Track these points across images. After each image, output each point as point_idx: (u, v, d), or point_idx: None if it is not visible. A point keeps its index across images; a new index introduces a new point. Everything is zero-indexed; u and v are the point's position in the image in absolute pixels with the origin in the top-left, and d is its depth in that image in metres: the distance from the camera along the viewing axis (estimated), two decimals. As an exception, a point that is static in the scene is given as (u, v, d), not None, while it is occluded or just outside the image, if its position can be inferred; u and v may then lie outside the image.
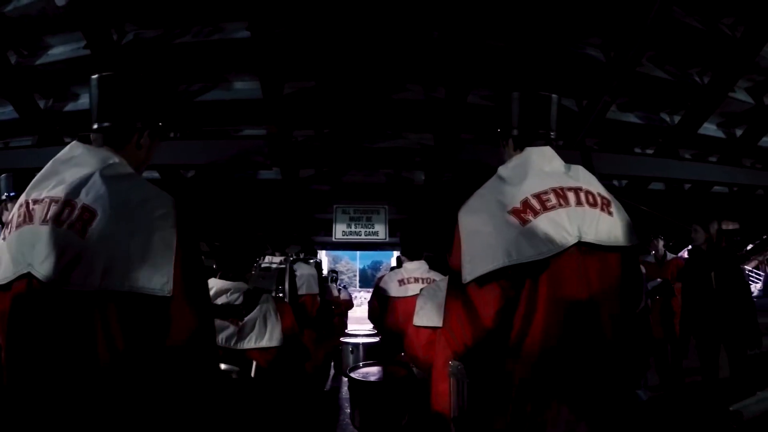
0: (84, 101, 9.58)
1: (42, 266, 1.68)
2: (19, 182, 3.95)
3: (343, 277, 22.18)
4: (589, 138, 9.73)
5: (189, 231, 1.85)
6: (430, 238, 5.78)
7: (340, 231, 12.20)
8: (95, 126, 2.02)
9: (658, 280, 7.07)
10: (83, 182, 1.79)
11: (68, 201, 1.75)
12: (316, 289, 6.56)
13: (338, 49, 8.02)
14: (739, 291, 5.85)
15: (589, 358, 1.96)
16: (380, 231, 12.23)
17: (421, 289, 3.91)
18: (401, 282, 5.44)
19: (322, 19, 7.57)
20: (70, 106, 9.76)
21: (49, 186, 1.82)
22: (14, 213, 1.84)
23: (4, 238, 1.84)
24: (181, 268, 1.76)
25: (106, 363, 1.66)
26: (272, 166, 9.97)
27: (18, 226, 1.80)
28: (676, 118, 10.17)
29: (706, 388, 5.98)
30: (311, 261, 7.42)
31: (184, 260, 1.78)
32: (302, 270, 6.22)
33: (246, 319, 3.18)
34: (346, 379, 4.69)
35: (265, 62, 7.91)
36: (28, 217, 1.78)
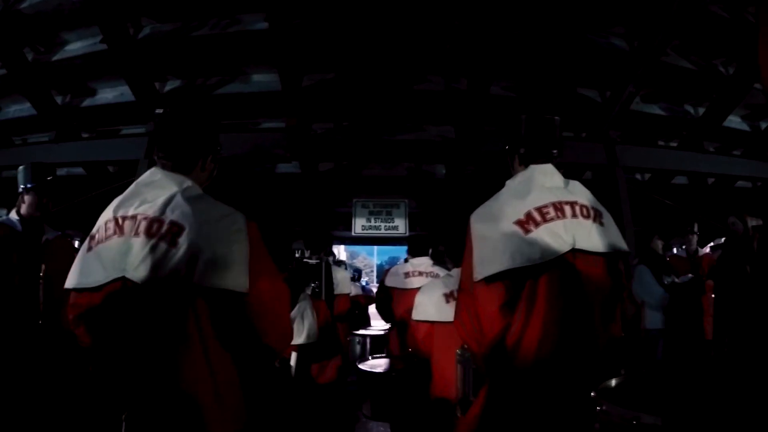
0: (101, 96, 9.74)
1: (137, 270, 1.96)
2: (37, 173, 4.05)
3: (354, 272, 22.17)
4: (612, 130, 9.57)
5: (260, 240, 2.15)
6: (442, 232, 5.84)
7: (359, 225, 12.15)
8: (162, 154, 2.26)
9: (689, 275, 6.81)
10: (167, 202, 2.07)
11: (156, 218, 2.02)
12: (349, 290, 6.93)
13: (358, 40, 7.95)
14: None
15: (581, 349, 2.30)
16: (400, 225, 12.14)
17: (421, 286, 4.17)
18: (407, 275, 5.85)
19: (341, 10, 7.48)
20: (87, 102, 9.84)
21: (134, 204, 2.09)
22: (101, 227, 2.11)
23: (89, 249, 2.11)
24: (255, 270, 2.06)
25: (198, 349, 1.97)
26: (291, 159, 9.96)
27: (108, 238, 2.07)
28: (701, 110, 10.00)
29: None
30: (342, 264, 8.21)
31: (256, 263, 2.08)
32: (337, 273, 6.49)
33: None
34: (352, 369, 5.11)
35: (283, 54, 7.85)
36: (118, 230, 2.05)
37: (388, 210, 12.20)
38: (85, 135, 10.25)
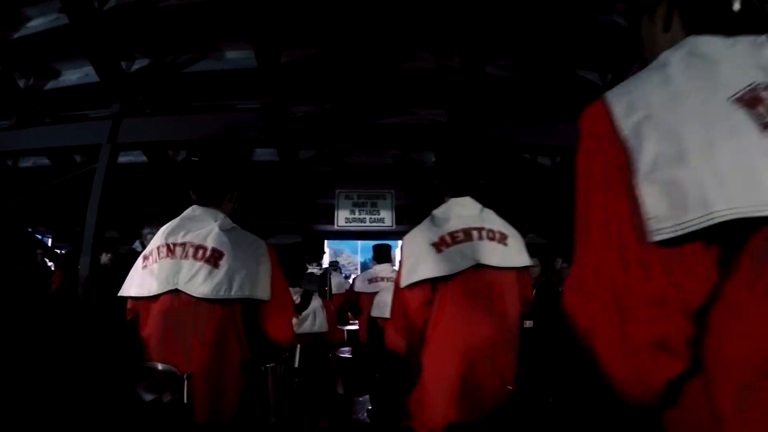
0: (65, 78, 9.35)
1: (187, 285, 2.53)
2: None
3: (346, 271, 22.75)
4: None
5: (276, 260, 2.78)
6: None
7: (342, 218, 11.91)
8: (198, 195, 2.82)
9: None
10: (208, 233, 2.66)
11: (201, 245, 2.61)
12: (344, 290, 8.46)
13: (341, 13, 7.49)
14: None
15: (479, 342, 2.95)
16: (386, 218, 11.92)
17: (378, 291, 5.78)
18: (370, 280, 7.04)
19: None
20: (51, 84, 9.43)
21: (181, 234, 2.67)
22: (153, 250, 2.67)
23: (144, 267, 2.66)
24: (274, 284, 2.72)
25: (235, 343, 2.57)
26: (267, 141, 9.45)
27: (161, 259, 2.62)
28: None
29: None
30: (338, 268, 10.78)
31: (275, 279, 2.74)
32: (335, 277, 8.12)
33: (303, 313, 4.93)
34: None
35: (259, 27, 7.44)
36: (170, 254, 2.62)
37: (374, 201, 12.06)
38: (48, 120, 9.83)
